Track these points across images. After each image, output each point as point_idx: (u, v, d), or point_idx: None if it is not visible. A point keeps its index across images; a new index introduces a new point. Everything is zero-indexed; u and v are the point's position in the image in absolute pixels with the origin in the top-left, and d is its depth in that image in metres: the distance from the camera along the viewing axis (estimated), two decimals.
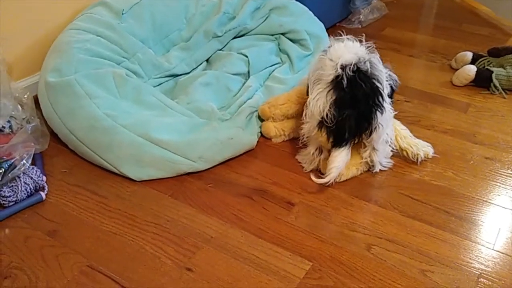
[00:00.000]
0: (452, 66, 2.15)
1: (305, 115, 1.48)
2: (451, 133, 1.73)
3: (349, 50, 1.43)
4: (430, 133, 1.73)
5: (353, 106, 1.39)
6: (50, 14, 1.87)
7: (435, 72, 2.13)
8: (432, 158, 1.60)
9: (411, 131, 1.66)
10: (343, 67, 1.38)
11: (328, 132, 1.42)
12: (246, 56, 1.92)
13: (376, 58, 1.46)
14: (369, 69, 1.40)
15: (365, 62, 1.40)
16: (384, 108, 1.42)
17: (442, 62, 2.22)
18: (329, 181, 1.43)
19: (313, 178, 1.45)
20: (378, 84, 1.41)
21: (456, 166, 1.57)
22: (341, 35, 1.52)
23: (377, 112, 1.40)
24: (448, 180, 1.51)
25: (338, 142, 1.42)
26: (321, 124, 1.42)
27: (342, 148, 1.42)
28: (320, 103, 1.40)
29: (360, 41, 1.50)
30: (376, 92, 1.40)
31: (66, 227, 1.35)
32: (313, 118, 1.44)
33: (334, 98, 1.38)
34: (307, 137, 1.53)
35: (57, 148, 1.64)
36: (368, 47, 1.48)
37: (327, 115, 1.39)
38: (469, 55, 2.10)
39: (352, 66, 1.38)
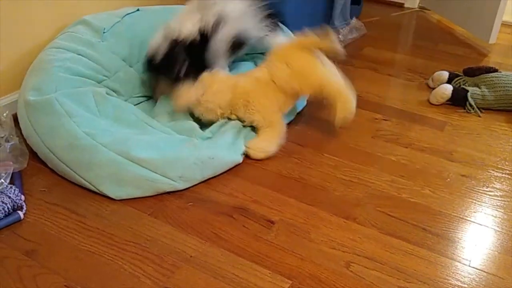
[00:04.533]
0: (429, 85, 2.20)
1: None
2: (428, 151, 1.76)
3: None
4: (407, 151, 1.76)
5: None
6: (30, 32, 1.87)
7: (413, 91, 2.18)
8: (410, 175, 1.63)
9: (388, 149, 1.69)
10: None
11: None
12: None
13: None
14: None
15: None
16: None
17: (419, 81, 2.27)
18: None
19: None
20: None
21: (433, 184, 1.60)
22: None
23: None
24: (425, 198, 1.54)
25: None
26: None
27: None
28: None
29: None
30: None
31: (45, 247, 1.34)
32: None
33: None
34: None
35: (36, 167, 1.63)
36: None
37: None
38: (445, 74, 2.15)
39: None
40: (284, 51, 1.78)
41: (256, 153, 1.68)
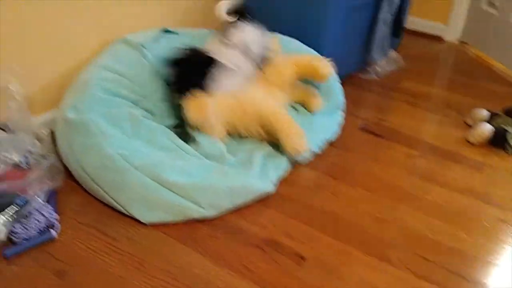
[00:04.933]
0: (467, 123, 2.16)
1: None
2: (465, 192, 1.72)
3: None
4: (444, 191, 1.72)
5: None
6: (71, 50, 1.90)
7: (449, 128, 2.14)
8: (446, 217, 1.58)
9: (424, 188, 1.65)
10: None
11: None
12: None
13: None
14: None
15: None
16: None
17: (457, 117, 2.23)
18: None
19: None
20: None
21: (469, 227, 1.56)
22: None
23: None
24: (461, 242, 1.49)
25: None
26: None
27: None
28: None
29: None
30: None
31: (75, 268, 1.34)
32: None
33: None
34: None
35: (70, 185, 1.64)
36: None
37: None
38: (485, 113, 2.11)
39: None
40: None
41: (299, 150, 1.73)
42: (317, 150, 1.86)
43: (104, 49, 1.92)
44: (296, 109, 2.03)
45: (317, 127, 1.93)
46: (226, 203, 1.55)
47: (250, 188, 1.58)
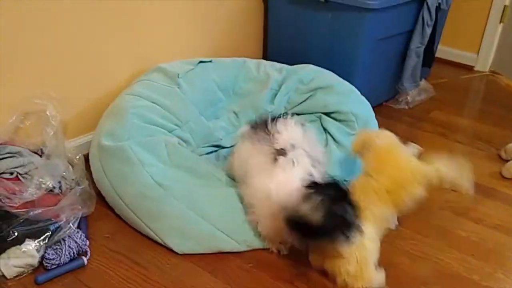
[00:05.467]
0: (501, 157, 2.11)
1: None
2: (501, 229, 1.68)
3: None
4: (478, 227, 1.68)
5: None
6: (106, 76, 1.94)
7: (483, 161, 2.09)
8: (481, 255, 1.54)
9: (458, 223, 1.62)
10: None
11: None
12: None
13: None
14: None
15: None
16: None
17: (489, 150, 2.18)
18: None
19: None
20: None
21: (506, 266, 1.51)
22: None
23: None
24: (498, 282, 1.45)
25: None
26: None
27: None
28: None
29: None
30: None
31: None
32: None
33: None
34: None
35: (102, 212, 1.65)
36: None
37: None
38: None
39: None
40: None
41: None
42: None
43: (140, 77, 1.95)
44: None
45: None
46: (261, 243, 1.52)
47: None
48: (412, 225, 1.66)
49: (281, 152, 1.46)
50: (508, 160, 2.01)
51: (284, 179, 1.40)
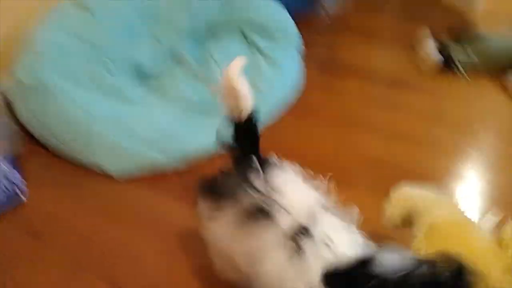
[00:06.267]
0: (416, 50, 2.16)
1: None
2: (421, 116, 1.77)
3: None
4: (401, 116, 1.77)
5: None
6: (20, 11, 1.82)
7: (401, 57, 2.15)
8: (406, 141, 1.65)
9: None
10: None
11: None
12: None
13: None
14: None
15: None
16: None
17: (405, 46, 2.19)
18: None
19: None
20: None
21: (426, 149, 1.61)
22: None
23: None
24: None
25: None
26: None
27: None
28: None
29: None
30: None
31: (48, 228, 1.36)
32: None
33: None
34: None
35: (31, 149, 1.62)
36: None
37: None
38: (430, 37, 2.10)
39: None
40: None
41: None
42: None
43: (54, 7, 1.82)
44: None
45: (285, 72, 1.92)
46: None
47: None
48: (336, 120, 1.74)
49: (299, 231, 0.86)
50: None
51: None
